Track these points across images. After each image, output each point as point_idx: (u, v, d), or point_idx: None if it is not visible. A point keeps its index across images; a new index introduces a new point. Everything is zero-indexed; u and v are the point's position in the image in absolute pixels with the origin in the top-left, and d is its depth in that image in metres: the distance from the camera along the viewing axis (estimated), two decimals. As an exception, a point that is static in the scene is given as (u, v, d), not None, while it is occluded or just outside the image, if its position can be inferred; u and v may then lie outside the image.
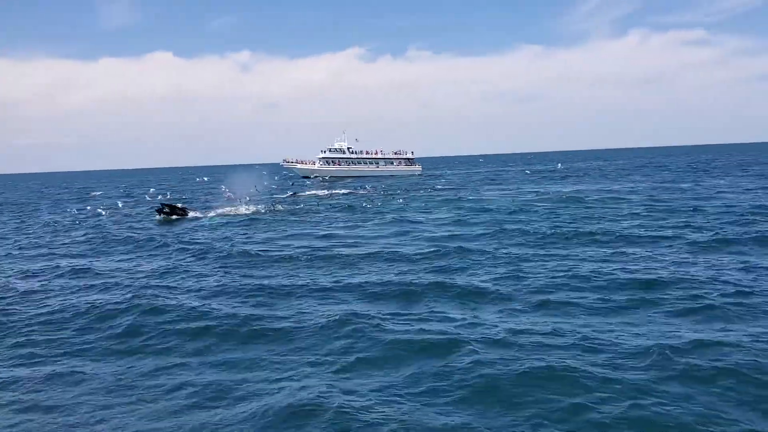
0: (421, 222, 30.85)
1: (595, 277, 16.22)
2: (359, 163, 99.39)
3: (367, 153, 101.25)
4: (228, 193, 43.96)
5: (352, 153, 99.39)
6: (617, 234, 23.37)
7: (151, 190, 67.24)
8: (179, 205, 38.49)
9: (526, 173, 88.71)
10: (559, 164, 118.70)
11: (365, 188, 63.13)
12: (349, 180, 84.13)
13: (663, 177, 64.10)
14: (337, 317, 12.84)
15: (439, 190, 58.56)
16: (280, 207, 40.65)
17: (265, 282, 17.05)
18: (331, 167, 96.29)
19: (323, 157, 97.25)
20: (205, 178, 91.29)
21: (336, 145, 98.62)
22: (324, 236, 26.58)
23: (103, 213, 41.36)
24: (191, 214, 37.24)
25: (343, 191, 59.45)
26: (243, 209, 38.75)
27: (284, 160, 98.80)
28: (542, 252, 20.41)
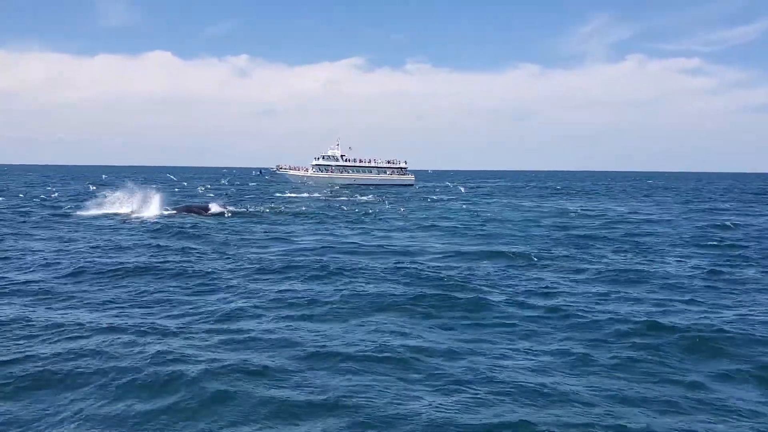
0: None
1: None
2: (352, 170, 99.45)
3: (361, 161, 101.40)
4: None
5: (346, 161, 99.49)
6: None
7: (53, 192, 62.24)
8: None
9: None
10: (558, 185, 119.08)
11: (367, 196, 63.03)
12: (338, 187, 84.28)
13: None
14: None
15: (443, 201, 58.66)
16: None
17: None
18: (324, 174, 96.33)
19: (316, 164, 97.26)
20: (173, 177, 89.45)
21: (329, 153, 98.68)
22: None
23: None
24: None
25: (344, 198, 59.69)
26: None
27: (277, 167, 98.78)
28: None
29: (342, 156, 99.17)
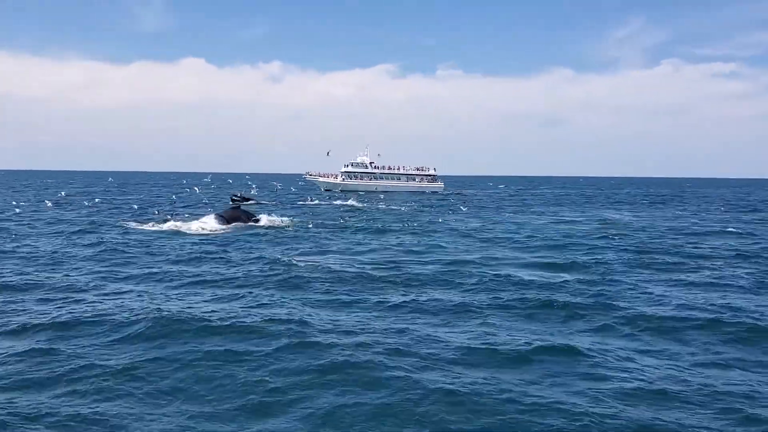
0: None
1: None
2: (381, 177, 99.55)
3: (390, 168, 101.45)
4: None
5: (375, 168, 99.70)
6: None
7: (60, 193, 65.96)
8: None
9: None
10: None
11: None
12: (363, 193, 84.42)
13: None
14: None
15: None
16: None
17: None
18: (354, 181, 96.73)
19: (346, 171, 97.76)
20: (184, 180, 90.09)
21: (358, 160, 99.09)
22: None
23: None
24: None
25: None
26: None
27: (307, 173, 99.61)
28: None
29: (371, 163, 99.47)
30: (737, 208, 59.34)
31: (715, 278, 19.00)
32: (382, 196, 68.02)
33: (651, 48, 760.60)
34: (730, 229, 35.24)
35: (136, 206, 50.14)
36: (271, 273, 18.92)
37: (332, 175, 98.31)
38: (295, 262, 21.19)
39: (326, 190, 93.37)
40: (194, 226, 32.10)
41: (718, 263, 22.03)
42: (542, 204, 66.05)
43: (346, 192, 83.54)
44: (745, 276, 19.36)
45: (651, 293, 16.57)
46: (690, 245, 27.43)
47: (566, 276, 19.23)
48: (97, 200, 58.01)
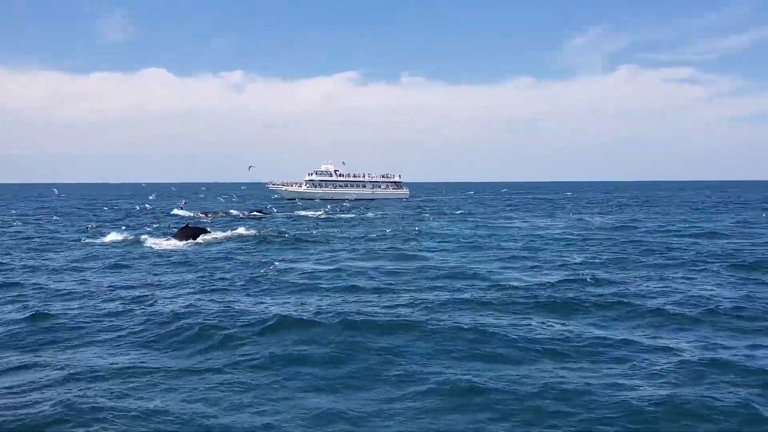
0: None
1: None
2: (346, 185, 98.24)
3: (355, 176, 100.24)
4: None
5: (339, 176, 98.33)
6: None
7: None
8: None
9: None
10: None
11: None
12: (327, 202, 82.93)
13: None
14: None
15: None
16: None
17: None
18: (318, 190, 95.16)
19: (310, 180, 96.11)
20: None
21: (323, 168, 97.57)
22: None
23: None
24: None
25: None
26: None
27: (270, 182, 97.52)
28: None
29: (336, 171, 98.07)
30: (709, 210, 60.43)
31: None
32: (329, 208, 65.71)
33: (609, 55, 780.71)
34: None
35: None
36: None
37: (296, 183, 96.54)
38: None
39: (289, 200, 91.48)
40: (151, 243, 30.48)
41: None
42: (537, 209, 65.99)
43: (304, 201, 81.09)
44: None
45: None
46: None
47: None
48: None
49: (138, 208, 65.40)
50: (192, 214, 51.17)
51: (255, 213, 55.13)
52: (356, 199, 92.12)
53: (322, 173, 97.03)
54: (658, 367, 10.43)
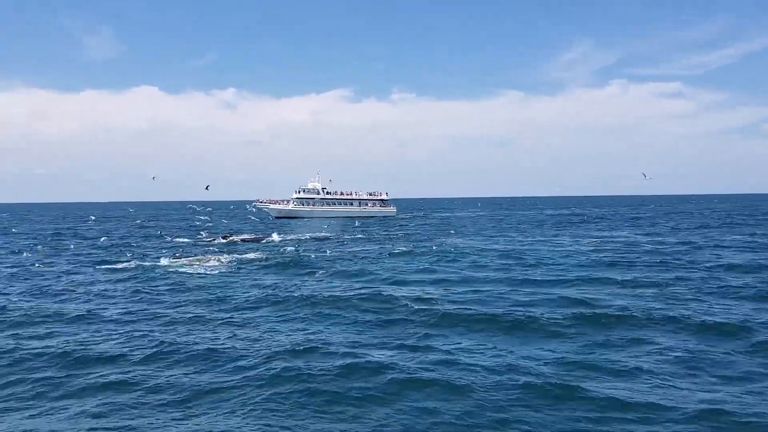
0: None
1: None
2: (333, 203, 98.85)
3: (342, 193, 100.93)
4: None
5: (327, 193, 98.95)
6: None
7: None
8: None
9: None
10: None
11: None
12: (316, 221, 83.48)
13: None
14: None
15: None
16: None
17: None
18: (305, 208, 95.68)
19: (297, 198, 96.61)
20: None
21: (310, 186, 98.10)
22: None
23: None
24: None
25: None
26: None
27: (258, 201, 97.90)
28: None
29: (323, 189, 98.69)
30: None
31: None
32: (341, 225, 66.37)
33: (598, 70, 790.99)
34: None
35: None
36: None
37: (283, 201, 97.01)
38: None
39: (277, 218, 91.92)
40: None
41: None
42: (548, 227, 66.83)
43: (281, 218, 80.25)
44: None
45: None
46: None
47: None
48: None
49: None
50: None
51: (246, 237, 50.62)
52: (343, 217, 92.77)
53: (309, 191, 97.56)
54: None
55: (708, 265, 29.02)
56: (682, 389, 11.54)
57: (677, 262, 30.42)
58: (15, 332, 16.59)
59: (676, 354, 13.77)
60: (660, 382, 11.95)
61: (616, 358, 13.52)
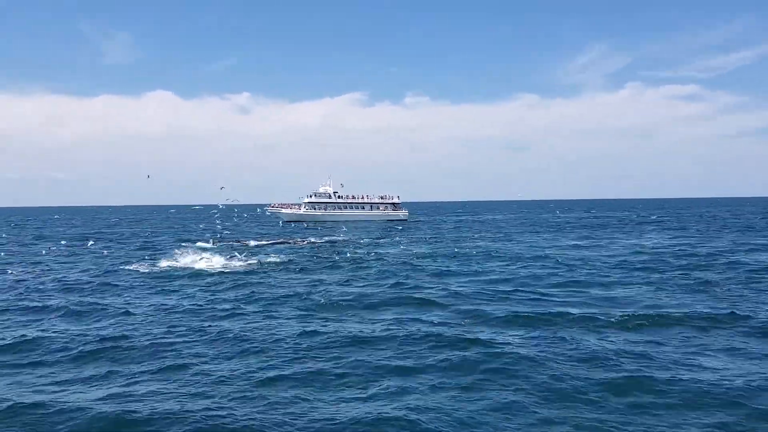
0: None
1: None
2: (345, 207, 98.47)
3: (353, 197, 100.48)
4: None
5: (338, 197, 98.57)
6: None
7: None
8: None
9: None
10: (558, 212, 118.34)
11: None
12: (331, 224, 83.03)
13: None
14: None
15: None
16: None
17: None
18: (317, 212, 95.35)
19: (309, 202, 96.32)
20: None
21: (321, 190, 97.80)
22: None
23: None
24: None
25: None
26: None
27: (270, 205, 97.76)
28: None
29: (335, 192, 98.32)
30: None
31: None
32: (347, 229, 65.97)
33: (613, 73, 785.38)
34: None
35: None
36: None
37: (295, 206, 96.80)
38: None
39: (287, 222, 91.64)
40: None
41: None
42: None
43: (292, 222, 80.00)
44: None
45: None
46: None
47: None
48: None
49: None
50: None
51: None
52: (355, 221, 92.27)
53: (320, 195, 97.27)
54: None
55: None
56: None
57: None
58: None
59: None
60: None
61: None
